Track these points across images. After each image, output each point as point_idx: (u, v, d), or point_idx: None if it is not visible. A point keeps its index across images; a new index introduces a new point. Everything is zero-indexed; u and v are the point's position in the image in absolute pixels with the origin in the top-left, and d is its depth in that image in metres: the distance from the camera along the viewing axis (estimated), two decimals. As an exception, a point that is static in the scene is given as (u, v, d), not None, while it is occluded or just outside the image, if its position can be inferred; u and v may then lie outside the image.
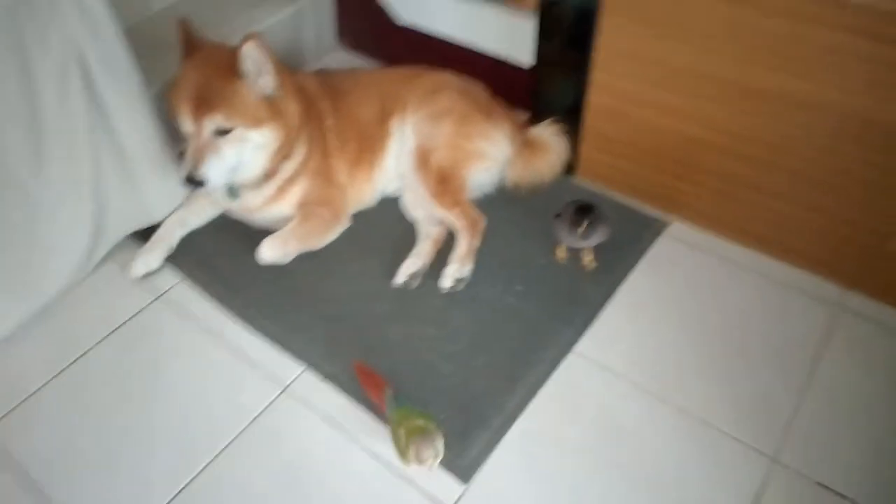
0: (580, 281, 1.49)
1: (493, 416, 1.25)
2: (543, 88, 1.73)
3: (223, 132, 1.33)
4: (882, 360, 1.32)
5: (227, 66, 1.32)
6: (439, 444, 1.08)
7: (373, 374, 1.26)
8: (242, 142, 1.36)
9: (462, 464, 1.19)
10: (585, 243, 1.43)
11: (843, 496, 1.13)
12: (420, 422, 1.10)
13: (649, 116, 1.50)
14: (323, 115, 1.56)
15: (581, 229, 1.37)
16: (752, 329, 1.39)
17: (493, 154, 1.62)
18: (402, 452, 1.09)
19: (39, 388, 1.32)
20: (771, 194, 1.44)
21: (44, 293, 1.42)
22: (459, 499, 1.15)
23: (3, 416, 1.27)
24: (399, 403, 1.16)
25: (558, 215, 1.44)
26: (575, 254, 1.52)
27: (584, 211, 1.37)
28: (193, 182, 1.34)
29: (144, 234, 1.57)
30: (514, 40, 1.75)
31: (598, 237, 1.41)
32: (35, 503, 1.14)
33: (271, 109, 1.38)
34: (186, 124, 1.34)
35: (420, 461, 1.06)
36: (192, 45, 1.39)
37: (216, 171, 1.34)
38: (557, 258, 1.52)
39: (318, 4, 2.04)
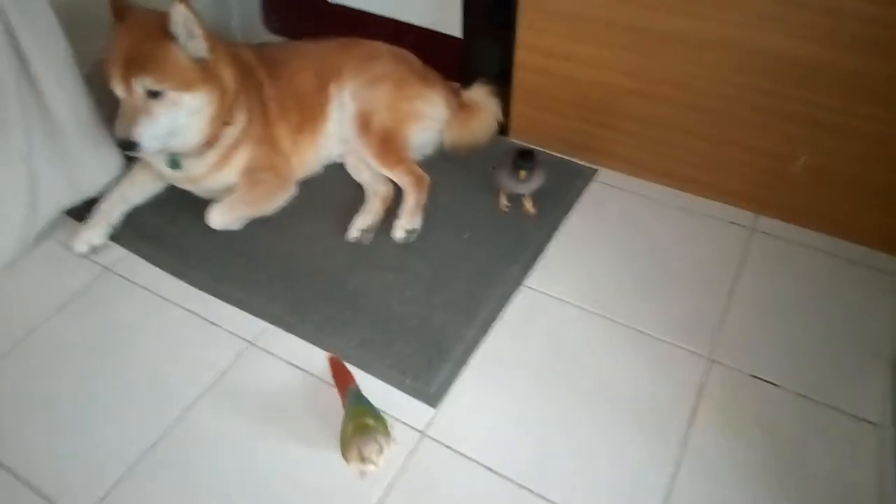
0: (523, 225, 1.59)
1: (455, 346, 1.32)
2: (473, 56, 1.83)
3: (155, 94, 1.32)
4: (793, 269, 1.49)
5: (156, 28, 1.32)
6: (384, 445, 1.02)
7: (344, 369, 1.24)
8: (175, 105, 1.35)
9: (430, 391, 1.25)
10: (526, 188, 1.53)
11: (774, 384, 1.26)
12: (370, 421, 1.05)
13: (571, 70, 1.63)
14: (261, 84, 1.59)
15: (522, 173, 1.47)
16: (678, 254, 1.52)
17: (431, 114, 1.70)
18: (345, 448, 1.04)
19: (-13, 366, 1.27)
20: (683, 132, 1.58)
21: None
22: (430, 422, 1.21)
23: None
24: (358, 401, 1.12)
25: (497, 166, 1.54)
26: (516, 202, 1.61)
27: (525, 156, 1.47)
28: (127, 145, 1.33)
29: (85, 212, 1.54)
30: (443, 11, 1.84)
31: (536, 182, 1.51)
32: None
33: (204, 73, 1.38)
34: (117, 87, 1.33)
35: (361, 459, 1.00)
36: (121, 11, 1.38)
37: (149, 134, 1.33)
38: (500, 207, 1.61)
39: (246, -14, 2.06)
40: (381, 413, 1.10)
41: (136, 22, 1.36)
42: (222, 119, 1.46)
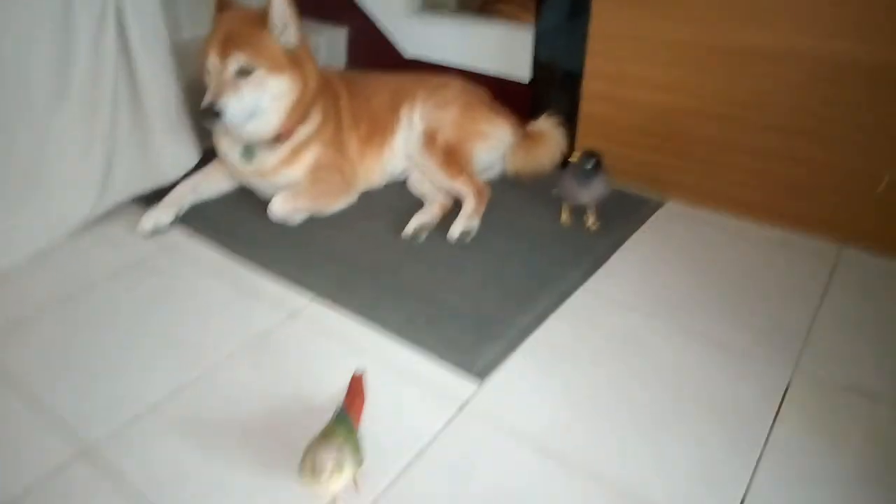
0: (584, 239, 1.53)
1: (506, 331, 1.23)
2: (541, 97, 1.88)
3: (245, 73, 1.42)
4: (882, 293, 1.34)
5: (255, 18, 1.46)
6: (344, 465, 0.82)
7: (359, 392, 1.01)
8: (261, 86, 1.44)
9: (475, 367, 1.14)
10: (589, 194, 1.49)
11: (865, 395, 1.09)
12: (340, 436, 0.85)
13: (637, 94, 1.64)
14: (339, 95, 1.68)
15: (588, 166, 1.44)
16: (755, 276, 1.41)
17: (495, 135, 1.73)
18: (303, 457, 0.84)
19: (34, 316, 1.27)
20: (757, 155, 1.53)
21: (50, 232, 1.42)
22: (473, 396, 1.09)
23: (3, 339, 1.21)
24: (342, 420, 0.90)
25: (559, 179, 1.53)
26: (578, 218, 1.57)
27: (591, 154, 1.46)
28: (211, 113, 1.40)
29: (151, 201, 1.60)
30: (513, 57, 1.94)
31: (599, 188, 1.48)
32: (31, 411, 1.06)
33: (291, 62, 1.48)
34: (213, 61, 1.43)
35: (314, 472, 0.81)
36: (224, 3, 1.52)
37: (234, 106, 1.41)
38: (562, 221, 1.57)
39: (333, 40, 2.25)
40: (360, 445, 0.88)
41: (237, 12, 1.50)
42: (299, 113, 1.53)
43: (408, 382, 1.12)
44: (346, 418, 0.91)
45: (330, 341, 1.21)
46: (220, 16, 1.49)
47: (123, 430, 1.02)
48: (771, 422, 1.05)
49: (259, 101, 1.45)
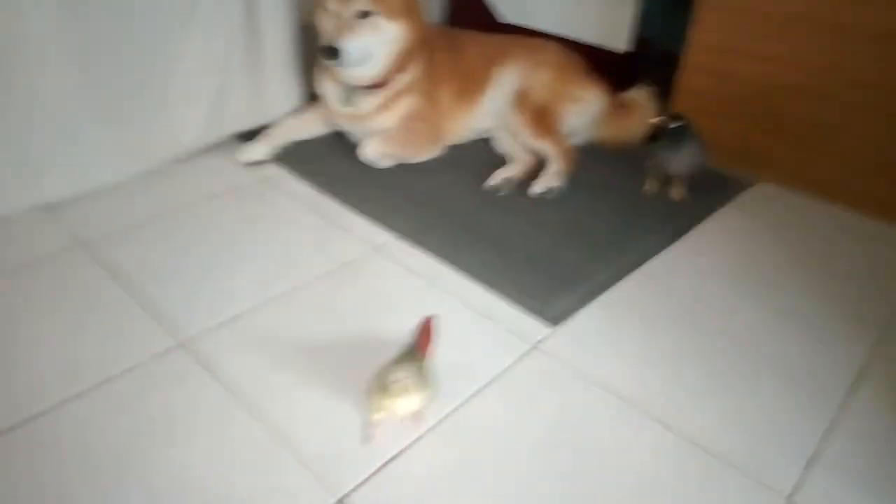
0: (669, 207, 1.51)
1: (583, 282, 1.24)
2: (639, 67, 1.85)
3: (364, 15, 1.48)
4: None
5: None
6: (413, 386, 0.85)
7: (430, 334, 1.01)
8: (377, 29, 1.50)
9: (550, 312, 1.16)
10: (680, 161, 1.46)
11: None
12: (412, 361, 0.89)
13: (741, 68, 1.60)
14: (437, 49, 1.71)
15: (673, 126, 1.43)
16: (843, 260, 1.36)
17: (587, 100, 1.72)
18: (373, 379, 0.89)
19: (144, 224, 1.38)
20: (857, 138, 1.46)
21: (166, 150, 1.53)
22: (546, 338, 1.11)
23: (118, 241, 1.32)
24: (416, 356, 0.92)
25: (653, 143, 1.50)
26: (664, 187, 1.54)
27: (676, 116, 1.44)
28: (331, 52, 1.47)
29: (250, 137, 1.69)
30: (612, 27, 1.91)
31: (690, 157, 1.45)
32: (137, 304, 1.16)
33: (406, 9, 1.53)
34: (334, 2, 1.48)
35: (383, 389, 0.85)
36: None
37: (352, 46, 1.47)
38: (645, 190, 1.55)
39: (432, 1, 2.28)
40: (430, 379, 0.90)
41: None
42: (401, 61, 1.58)
43: (482, 320, 1.15)
44: (415, 353, 0.94)
45: (409, 277, 1.26)
46: None
47: (217, 329, 1.10)
48: (845, 393, 1.03)
49: (373, 43, 1.51)
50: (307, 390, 0.98)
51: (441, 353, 1.01)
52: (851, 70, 1.43)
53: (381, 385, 0.85)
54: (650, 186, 1.55)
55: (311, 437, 0.91)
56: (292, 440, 0.90)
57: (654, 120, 1.44)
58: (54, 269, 1.22)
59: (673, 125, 1.43)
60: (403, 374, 0.85)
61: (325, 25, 1.52)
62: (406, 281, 1.25)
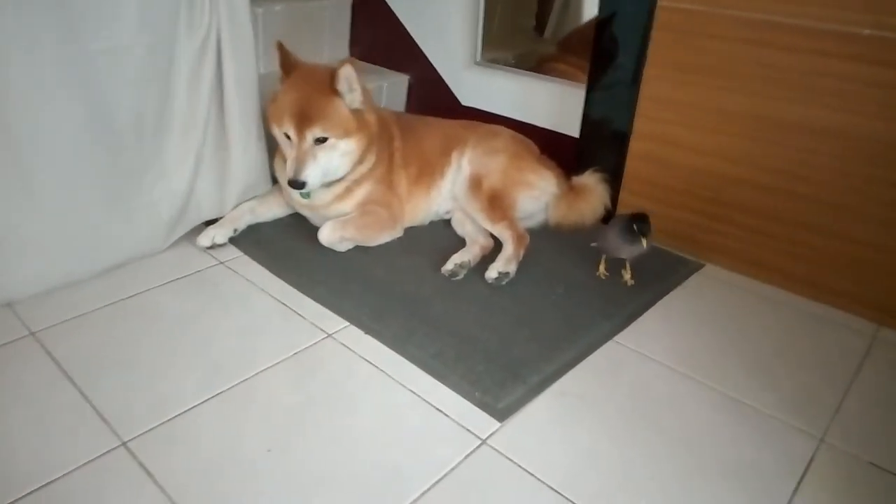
0: (619, 292, 1.55)
1: (531, 375, 1.25)
2: (588, 152, 1.94)
3: (320, 141, 1.53)
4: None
5: (324, 84, 1.54)
6: None
7: None
8: (333, 149, 1.55)
9: (497, 406, 1.17)
10: (635, 251, 1.50)
11: (891, 472, 1.07)
12: None
13: (684, 158, 1.68)
14: (392, 136, 1.77)
15: (644, 240, 1.45)
16: (789, 344, 1.40)
17: (540, 185, 1.78)
18: None
19: (95, 310, 1.37)
20: (800, 227, 1.54)
21: (124, 255, 1.53)
22: (493, 434, 1.12)
23: (69, 331, 1.31)
24: None
25: (601, 231, 1.57)
26: (615, 270, 1.59)
27: (641, 219, 1.46)
28: (296, 184, 1.52)
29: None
30: (564, 113, 2.00)
31: (643, 245, 1.48)
32: (86, 397, 1.14)
33: (358, 122, 1.58)
34: (290, 134, 1.53)
35: None
36: (288, 64, 1.60)
37: (314, 173, 1.53)
38: (599, 273, 1.60)
39: (396, 85, 2.37)
40: None
41: (305, 76, 1.57)
42: (360, 156, 1.62)
43: (433, 414, 1.15)
44: None
45: (362, 365, 1.26)
46: (289, 80, 1.57)
47: (159, 430, 1.08)
48: (793, 490, 1.04)
49: (331, 161, 1.56)
50: (238, 496, 0.97)
51: (395, 445, 1.01)
52: (787, 162, 1.52)
53: None
54: (602, 269, 1.60)
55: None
56: (230, 551, 0.88)
57: (640, 241, 1.47)
58: (3, 357, 1.20)
59: (636, 226, 1.46)
60: None
61: (285, 152, 1.58)
62: (360, 369, 1.25)
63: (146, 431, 1.06)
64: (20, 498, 0.93)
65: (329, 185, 1.64)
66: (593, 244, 1.60)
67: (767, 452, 1.11)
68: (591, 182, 1.82)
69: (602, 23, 1.75)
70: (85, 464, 1.00)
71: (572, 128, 1.99)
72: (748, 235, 1.63)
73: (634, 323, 1.45)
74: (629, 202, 1.83)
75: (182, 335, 1.31)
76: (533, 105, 2.09)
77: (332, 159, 1.56)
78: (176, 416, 1.11)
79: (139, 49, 1.40)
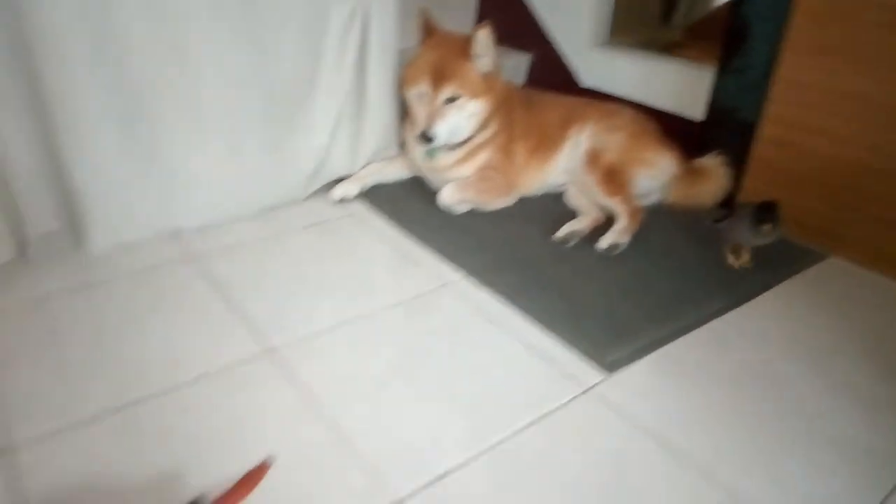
0: (733, 273, 1.54)
1: (639, 337, 1.29)
2: (713, 136, 1.91)
3: (451, 100, 1.64)
4: None
5: (459, 48, 1.65)
6: None
7: (253, 484, 0.91)
8: (462, 109, 1.66)
9: (606, 359, 1.22)
10: (759, 240, 1.47)
11: None
12: None
13: (818, 144, 1.63)
14: (515, 107, 1.84)
15: (766, 227, 1.43)
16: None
17: (660, 164, 1.78)
18: None
19: (244, 246, 1.54)
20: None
21: (272, 200, 1.70)
22: (597, 384, 1.16)
23: (221, 258, 1.49)
24: None
25: (723, 218, 1.54)
26: (735, 252, 1.57)
27: (768, 208, 1.43)
28: (426, 138, 1.64)
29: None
30: (688, 96, 1.99)
31: (772, 234, 1.45)
32: (229, 311, 1.31)
33: (487, 85, 1.68)
34: (426, 91, 1.65)
35: None
36: (429, 28, 1.74)
37: (443, 129, 1.64)
38: (729, 262, 1.57)
39: (518, 63, 2.43)
40: None
41: (443, 40, 1.70)
42: (484, 121, 1.71)
43: (539, 361, 1.22)
44: None
45: (475, 313, 1.35)
46: (426, 42, 1.70)
47: (302, 340, 1.22)
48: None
49: (459, 120, 1.66)
50: (368, 402, 1.08)
51: (496, 385, 1.08)
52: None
53: None
54: (731, 259, 1.57)
55: (370, 443, 0.99)
56: (350, 442, 0.99)
57: (763, 230, 1.44)
58: (166, 277, 1.39)
59: (771, 221, 1.43)
60: None
61: (417, 111, 1.69)
62: (473, 317, 1.33)
63: (287, 344, 1.20)
64: (184, 384, 1.09)
65: (452, 148, 1.74)
66: (720, 224, 1.55)
67: (880, 439, 1.09)
68: (713, 165, 1.81)
69: (737, 5, 1.72)
70: (236, 364, 1.15)
71: (696, 111, 1.97)
72: (880, 228, 1.56)
73: (748, 303, 1.44)
74: (753, 188, 1.79)
75: (317, 270, 1.46)
76: (656, 87, 2.09)
77: (461, 118, 1.66)
78: (313, 334, 1.24)
79: (301, 12, 1.55)
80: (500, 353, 1.23)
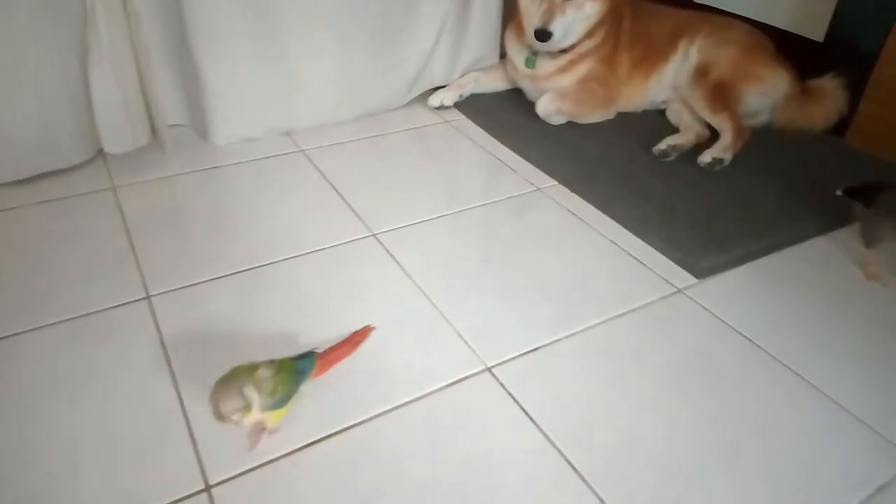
0: (837, 201, 1.47)
1: (734, 248, 1.28)
2: (832, 57, 1.79)
3: None
4: None
5: None
6: (253, 395, 0.77)
7: (356, 343, 0.98)
8: (580, 8, 1.62)
9: (697, 266, 1.23)
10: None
11: None
12: (264, 370, 0.80)
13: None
14: (623, 16, 1.78)
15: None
16: None
17: (772, 81, 1.70)
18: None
19: (350, 145, 1.62)
20: None
21: (376, 105, 1.76)
22: (689, 286, 1.18)
23: (330, 154, 1.58)
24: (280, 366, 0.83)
25: (863, 194, 1.23)
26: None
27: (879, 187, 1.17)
28: (543, 34, 1.61)
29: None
30: (809, 15, 1.86)
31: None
32: (343, 198, 1.40)
33: None
34: None
35: (220, 416, 0.76)
36: None
37: (560, 26, 1.61)
38: (867, 276, 1.23)
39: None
40: (294, 393, 0.84)
41: None
42: (594, 29, 1.68)
43: (632, 262, 1.24)
44: (292, 366, 0.84)
45: (568, 217, 1.38)
46: None
47: (399, 230, 1.29)
48: None
49: (576, 21, 1.63)
50: (462, 286, 1.15)
51: (586, 279, 1.12)
52: None
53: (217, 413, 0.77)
54: (869, 269, 1.23)
55: (463, 320, 1.07)
56: (446, 317, 1.07)
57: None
58: (282, 167, 1.50)
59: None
60: (235, 406, 0.76)
61: (531, 8, 1.66)
62: (564, 220, 1.37)
63: (389, 230, 1.28)
64: (300, 256, 1.19)
65: (554, 56, 1.73)
66: (848, 195, 1.26)
67: None
68: (830, 86, 1.71)
69: None
70: (343, 243, 1.24)
71: (815, 31, 1.85)
72: None
73: (851, 227, 1.39)
74: (870, 112, 1.69)
75: (415, 170, 1.52)
76: (774, 4, 1.96)
77: (577, 18, 1.64)
78: (412, 224, 1.31)
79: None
80: (591, 252, 1.27)
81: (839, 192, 1.25)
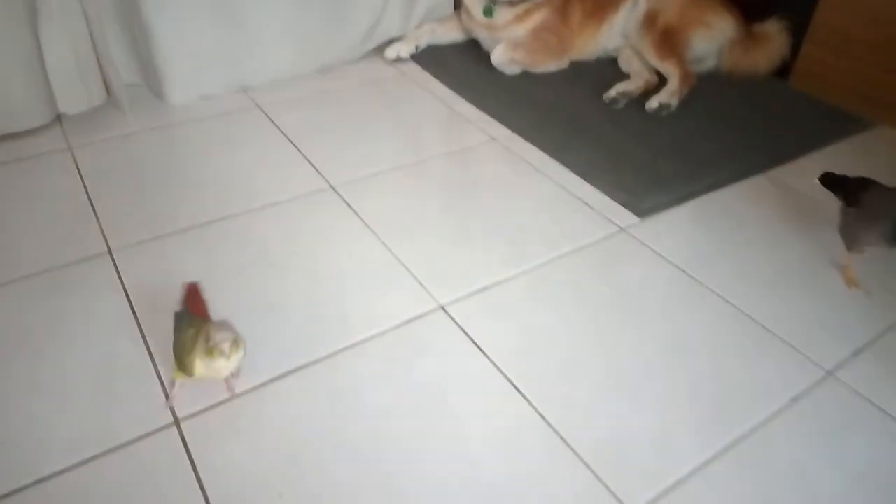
0: (779, 136, 1.55)
1: (676, 188, 1.35)
2: (775, 4, 1.84)
3: None
4: None
5: None
6: (239, 344, 0.82)
7: (200, 298, 0.94)
8: None
9: (640, 205, 1.29)
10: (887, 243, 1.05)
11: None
12: (224, 332, 0.81)
13: (884, 9, 1.56)
14: (574, -31, 1.81)
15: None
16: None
17: (718, 25, 1.75)
18: (188, 351, 0.81)
19: (306, 99, 1.64)
20: None
21: (331, 57, 1.77)
22: (632, 225, 1.25)
23: (287, 108, 1.60)
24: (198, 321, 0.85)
25: (850, 203, 1.11)
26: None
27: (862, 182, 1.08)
28: None
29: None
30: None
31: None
32: (300, 151, 1.43)
33: None
34: None
35: (212, 352, 0.80)
36: None
37: None
38: (847, 284, 1.13)
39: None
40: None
41: None
42: None
43: (578, 205, 1.31)
44: (199, 318, 0.87)
45: (520, 164, 1.43)
46: None
47: (359, 180, 1.33)
48: (916, 312, 1.08)
49: None
50: (418, 234, 1.20)
51: (541, 221, 1.18)
52: None
53: (205, 348, 0.80)
54: (849, 276, 1.14)
55: (418, 264, 1.12)
56: (402, 262, 1.12)
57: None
58: (240, 123, 1.51)
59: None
60: (228, 334, 0.81)
61: None
62: (517, 168, 1.42)
63: (346, 183, 1.32)
64: (258, 208, 1.23)
65: (513, 4, 1.75)
66: (824, 183, 1.18)
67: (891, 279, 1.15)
68: (773, 30, 1.77)
69: None
70: (301, 195, 1.28)
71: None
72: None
73: (790, 163, 1.47)
74: (811, 54, 1.75)
75: (373, 122, 1.55)
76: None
77: None
78: (369, 175, 1.35)
79: None
80: (542, 197, 1.32)
81: (817, 180, 1.17)
